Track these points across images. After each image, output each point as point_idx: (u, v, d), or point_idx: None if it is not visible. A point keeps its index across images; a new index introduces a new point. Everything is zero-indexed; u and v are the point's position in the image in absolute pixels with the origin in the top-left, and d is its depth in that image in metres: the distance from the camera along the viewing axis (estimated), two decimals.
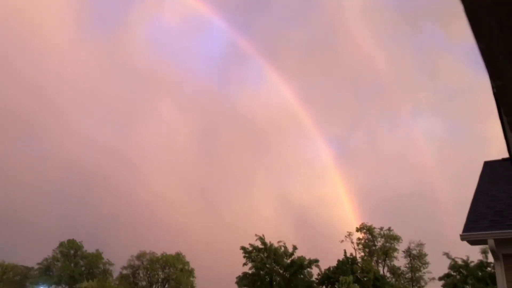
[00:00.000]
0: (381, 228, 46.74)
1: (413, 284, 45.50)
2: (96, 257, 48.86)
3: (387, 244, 46.33)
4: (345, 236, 46.87)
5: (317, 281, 37.94)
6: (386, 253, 46.10)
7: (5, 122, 65.83)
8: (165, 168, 79.38)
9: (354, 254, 44.54)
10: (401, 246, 46.44)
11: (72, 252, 49.10)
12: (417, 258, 45.66)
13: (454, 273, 23.51)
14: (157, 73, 76.76)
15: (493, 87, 1.67)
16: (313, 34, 78.71)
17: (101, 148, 72.38)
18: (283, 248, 24.48)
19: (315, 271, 33.03)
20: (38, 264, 48.03)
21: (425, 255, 45.52)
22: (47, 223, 63.20)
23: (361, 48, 74.05)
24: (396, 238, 46.20)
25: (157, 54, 78.99)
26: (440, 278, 24.10)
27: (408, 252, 46.21)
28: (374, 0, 74.49)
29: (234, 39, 76.07)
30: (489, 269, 22.48)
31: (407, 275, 46.23)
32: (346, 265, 40.68)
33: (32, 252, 59.08)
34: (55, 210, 66.08)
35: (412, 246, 46.16)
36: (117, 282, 44.54)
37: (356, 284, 32.24)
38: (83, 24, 71.75)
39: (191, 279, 46.57)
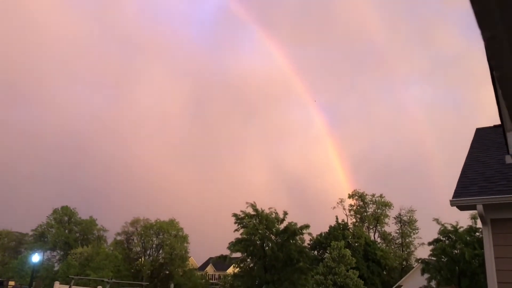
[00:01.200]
0: (373, 195, 47.31)
1: (403, 249, 46.45)
2: (90, 223, 49.23)
3: (379, 211, 47.00)
4: (337, 203, 47.51)
5: (309, 246, 38.59)
6: (377, 219, 46.82)
7: None
8: (157, 135, 79.22)
9: (345, 220, 45.23)
10: (392, 213, 47.22)
11: (66, 218, 49.40)
12: (407, 224, 46.46)
13: (444, 239, 23.96)
14: (148, 38, 75.51)
15: (483, 39, 1.58)
16: (307, 0, 77.37)
17: (93, 114, 71.95)
18: (274, 214, 24.70)
19: (307, 237, 33.51)
20: (32, 230, 48.46)
21: (415, 221, 46.30)
22: (40, 190, 63.41)
23: (356, 15, 73.16)
24: (387, 205, 46.82)
25: (148, 18, 77.52)
26: (430, 243, 24.58)
27: (399, 218, 46.97)
28: None
29: (226, 4, 74.66)
30: (477, 234, 22.92)
31: (397, 241, 47.17)
32: (338, 231, 41.31)
33: (27, 218, 59.53)
34: (49, 176, 66.18)
35: (403, 212, 46.91)
36: (111, 248, 45.05)
37: (347, 249, 32.83)
38: None
39: (185, 244, 47.19)
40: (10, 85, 65.51)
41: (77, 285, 27.09)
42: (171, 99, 76.29)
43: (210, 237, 62.10)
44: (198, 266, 59.44)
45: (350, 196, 47.33)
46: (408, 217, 46.66)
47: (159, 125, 78.31)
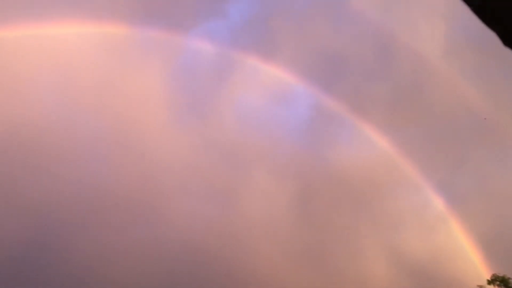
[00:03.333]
0: None
1: None
2: None
3: None
4: None
5: None
6: None
7: (114, 210, 70.48)
8: (268, 238, 78.99)
9: None
10: None
11: None
12: None
13: None
14: (249, 146, 78.93)
15: None
16: (397, 84, 77.06)
17: (206, 225, 74.27)
18: None
19: None
20: None
21: None
22: None
23: (451, 89, 70.77)
24: None
25: (247, 128, 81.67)
26: None
27: None
28: (454, 42, 72.01)
29: (318, 101, 76.70)
30: None
31: None
32: None
33: None
34: None
35: None
36: None
37: None
38: (177, 111, 76.80)
39: None
40: (129, 208, 70.93)
41: None
42: (277, 200, 77.00)
43: None
44: None
45: (489, 282, 42.02)
46: None
47: (267, 227, 78.57)
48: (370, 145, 73.80)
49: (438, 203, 60.84)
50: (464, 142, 75.74)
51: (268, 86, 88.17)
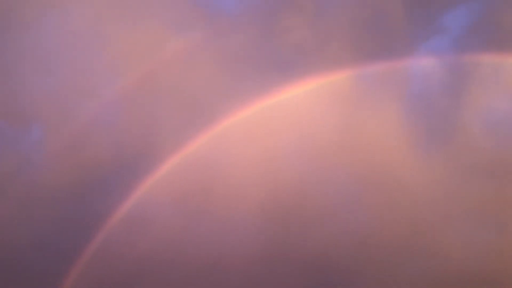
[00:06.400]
0: None
1: None
2: None
3: None
4: None
5: None
6: None
7: (389, 249, 69.99)
8: None
9: None
10: None
11: None
12: None
13: None
14: (510, 157, 70.16)
15: None
16: None
17: (482, 251, 67.77)
18: None
19: None
20: None
21: None
22: None
23: None
24: None
25: (504, 138, 73.25)
26: None
27: None
28: None
29: None
30: None
31: None
32: None
33: None
34: None
35: None
36: None
37: None
38: (420, 140, 73.90)
39: None
40: (402, 246, 69.90)
41: None
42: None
43: None
44: None
45: None
46: None
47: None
48: None
49: None
50: None
51: None
